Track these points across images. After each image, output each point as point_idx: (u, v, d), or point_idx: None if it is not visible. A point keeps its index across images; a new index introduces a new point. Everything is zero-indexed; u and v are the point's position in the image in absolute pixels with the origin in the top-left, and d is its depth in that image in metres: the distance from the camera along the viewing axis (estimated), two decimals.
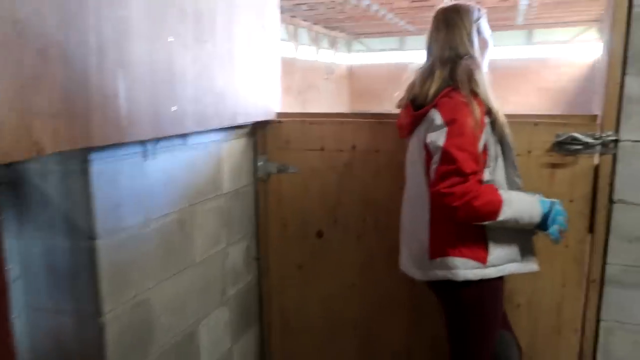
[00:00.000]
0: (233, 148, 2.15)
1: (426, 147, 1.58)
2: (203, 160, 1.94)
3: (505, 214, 1.48)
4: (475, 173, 1.47)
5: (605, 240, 1.83)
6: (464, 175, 1.46)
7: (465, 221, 1.50)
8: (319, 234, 2.28)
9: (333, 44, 21.71)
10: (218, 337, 2.11)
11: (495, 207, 1.48)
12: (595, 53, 19.81)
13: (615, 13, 1.76)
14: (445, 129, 1.51)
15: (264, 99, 2.19)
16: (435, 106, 1.56)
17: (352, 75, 21.47)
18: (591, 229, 1.86)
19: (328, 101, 18.98)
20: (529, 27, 20.04)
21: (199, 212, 1.93)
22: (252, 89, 2.08)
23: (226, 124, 1.93)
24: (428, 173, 1.58)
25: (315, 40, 19.41)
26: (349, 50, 23.52)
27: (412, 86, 1.70)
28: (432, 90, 1.59)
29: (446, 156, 1.48)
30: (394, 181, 2.00)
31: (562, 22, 19.93)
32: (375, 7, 15.30)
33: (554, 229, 1.53)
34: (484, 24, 1.69)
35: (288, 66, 15.77)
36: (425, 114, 1.60)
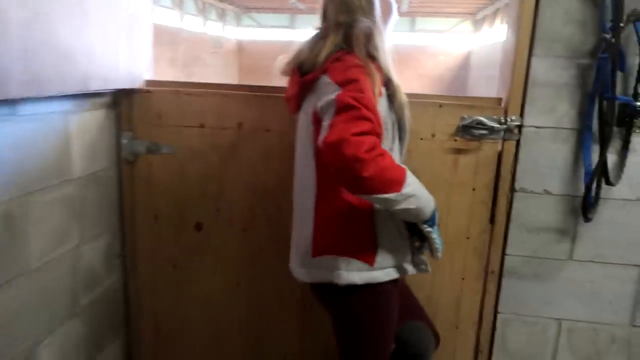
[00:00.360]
0: (87, 122, 1.71)
1: (315, 117, 1.31)
2: (42, 136, 1.50)
3: (409, 186, 1.22)
4: (378, 134, 1.19)
5: (506, 230, 1.75)
6: (372, 123, 1.17)
7: (366, 187, 1.16)
8: (198, 226, 1.94)
9: (221, 17, 20.81)
10: (67, 357, 1.70)
11: (401, 174, 1.21)
12: (470, 44, 21.56)
13: None
14: (339, 89, 1.23)
15: (128, 61, 1.77)
16: (325, 71, 1.30)
17: (242, 50, 20.82)
18: (492, 219, 1.76)
19: (216, 76, 18.18)
20: (412, 14, 21.09)
21: (37, 204, 1.49)
22: (112, 48, 1.65)
23: (73, 89, 1.50)
24: (317, 155, 1.33)
25: (203, 11, 18.42)
26: (238, 24, 22.78)
27: (299, 51, 1.42)
28: (322, 55, 1.33)
29: (344, 104, 1.18)
30: (287, 165, 1.72)
31: (441, 12, 21.34)
32: None
33: (437, 229, 1.35)
34: None
35: (172, 36, 14.72)
36: (313, 81, 1.33)
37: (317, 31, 1.43)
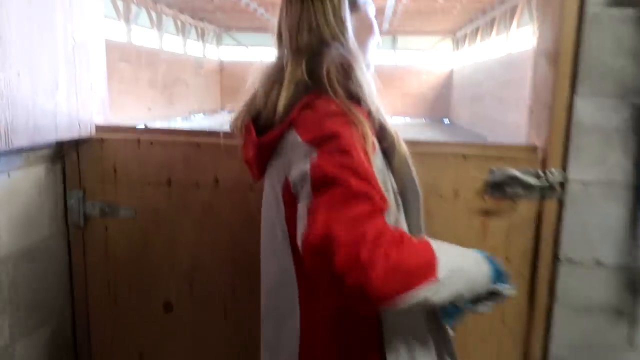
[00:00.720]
0: (18, 183, 1.34)
1: (286, 192, 0.94)
2: None
3: (442, 261, 0.83)
4: (382, 210, 0.82)
5: (549, 311, 1.42)
6: (370, 199, 0.80)
7: (381, 296, 0.76)
8: (168, 307, 1.57)
9: (202, 36, 20.61)
10: None
11: (426, 251, 0.83)
12: (451, 63, 21.80)
13: (561, 13, 1.34)
14: (313, 151, 0.86)
15: (72, 104, 1.40)
16: (292, 125, 0.93)
17: (223, 70, 20.61)
18: (532, 296, 1.43)
19: (197, 97, 17.89)
20: (393, 33, 21.20)
21: None
22: (45, 88, 1.29)
23: None
24: (294, 241, 0.93)
25: (182, 31, 18.19)
26: (219, 43, 22.61)
27: (252, 97, 1.05)
28: (282, 100, 0.96)
29: (323, 177, 0.82)
30: None
31: (421, 30, 21.57)
32: (245, 0, 14.71)
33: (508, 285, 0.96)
34: None
35: (152, 57, 14.45)
36: (275, 141, 0.97)
37: (272, 62, 1.05)
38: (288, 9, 1.02)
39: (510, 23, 14.37)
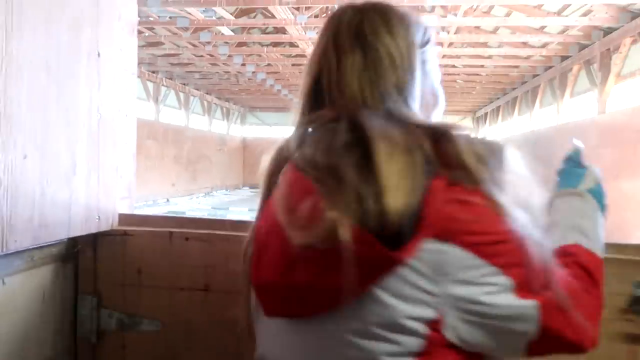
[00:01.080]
0: (16, 291, 1.04)
1: (431, 339, 0.64)
2: None
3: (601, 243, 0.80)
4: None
5: None
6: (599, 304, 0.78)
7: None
8: None
9: (226, 115, 21.27)
10: None
11: (595, 260, 0.78)
12: None
13: None
14: (507, 282, 0.63)
15: (92, 192, 1.13)
16: (445, 236, 0.62)
17: (246, 147, 20.96)
18: None
19: (220, 173, 18.04)
20: None
21: None
22: (59, 173, 1.01)
23: None
24: None
25: (208, 111, 18.78)
26: (243, 122, 23.31)
27: (342, 190, 0.63)
28: (404, 194, 0.62)
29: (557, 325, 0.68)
30: None
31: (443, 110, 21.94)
32: (270, 82, 15.17)
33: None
34: (433, 56, 0.82)
35: (178, 134, 14.74)
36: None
37: (318, 130, 0.74)
38: (339, 59, 0.73)
39: (533, 103, 14.35)
